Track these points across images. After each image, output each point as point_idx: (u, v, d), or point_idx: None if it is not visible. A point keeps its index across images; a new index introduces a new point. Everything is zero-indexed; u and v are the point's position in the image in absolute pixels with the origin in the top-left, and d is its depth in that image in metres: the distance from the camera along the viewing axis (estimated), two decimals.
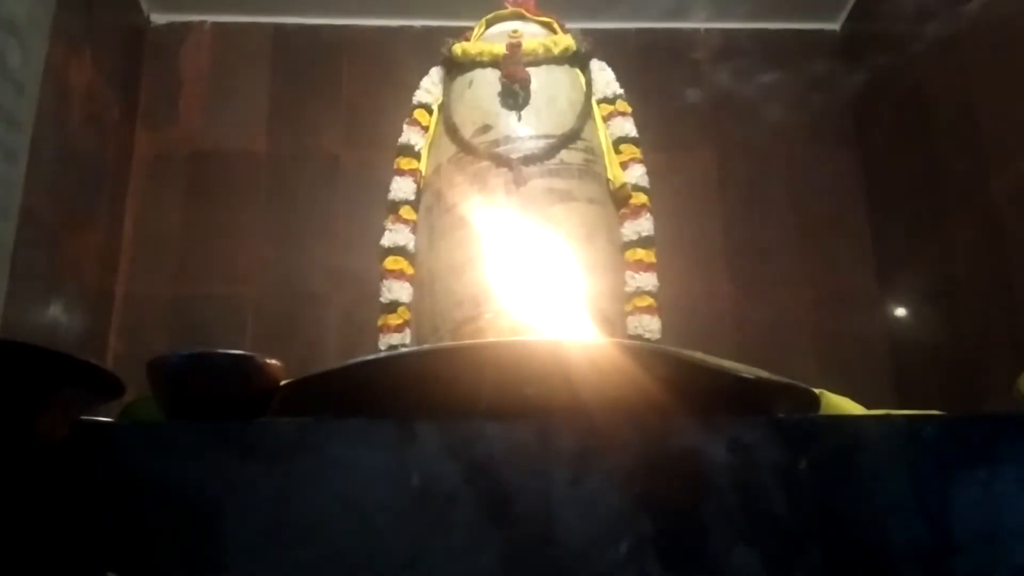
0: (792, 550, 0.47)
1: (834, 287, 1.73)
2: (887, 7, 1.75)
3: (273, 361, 0.54)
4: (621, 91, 1.20)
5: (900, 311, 1.68)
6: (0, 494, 0.46)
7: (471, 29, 1.23)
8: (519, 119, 1.12)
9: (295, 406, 0.56)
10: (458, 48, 1.18)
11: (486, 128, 1.12)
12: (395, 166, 1.17)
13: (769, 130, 1.81)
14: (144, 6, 1.84)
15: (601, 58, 1.23)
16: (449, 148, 1.14)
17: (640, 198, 1.14)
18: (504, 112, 1.12)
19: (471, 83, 1.16)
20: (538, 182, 1.08)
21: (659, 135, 1.52)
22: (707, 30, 1.89)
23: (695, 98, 1.84)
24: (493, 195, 1.07)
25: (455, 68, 1.19)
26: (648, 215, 1.13)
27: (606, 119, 1.17)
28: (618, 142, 1.16)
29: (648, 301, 1.09)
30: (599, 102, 1.18)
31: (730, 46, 1.88)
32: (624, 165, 1.15)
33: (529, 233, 1.03)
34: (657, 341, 1.07)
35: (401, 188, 1.15)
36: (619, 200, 1.13)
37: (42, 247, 1.40)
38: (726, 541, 0.47)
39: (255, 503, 0.47)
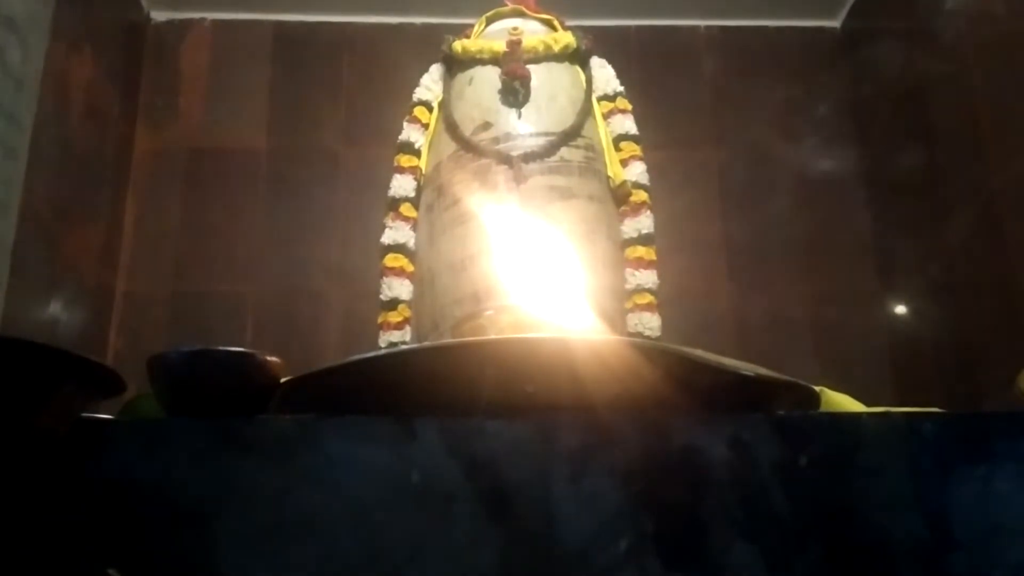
0: (792, 547, 0.47)
1: (834, 285, 1.73)
2: (888, 5, 1.75)
3: (273, 358, 0.54)
4: (621, 88, 1.20)
5: (900, 308, 1.68)
6: (0, 490, 0.46)
7: (471, 26, 1.23)
8: (519, 116, 1.12)
9: (295, 403, 0.56)
10: (458, 45, 1.18)
11: (486, 125, 1.12)
12: (395, 163, 1.17)
13: (769, 128, 1.81)
14: (144, 3, 1.83)
15: (601, 55, 1.23)
16: (449, 145, 1.14)
17: (640, 195, 1.14)
18: (504, 109, 1.12)
19: (471, 80, 1.16)
20: (538, 179, 1.08)
21: (659, 132, 1.51)
22: (708, 27, 1.89)
23: (695, 95, 1.84)
24: (493, 192, 1.07)
25: (455, 65, 1.19)
26: (648, 212, 1.13)
27: (606, 116, 1.17)
28: (618, 139, 1.16)
29: (648, 298, 1.09)
30: (599, 99, 1.18)
31: (731, 43, 1.88)
32: (624, 162, 1.15)
33: (529, 230, 1.03)
34: (657, 338, 1.06)
35: (401, 185, 1.15)
36: (619, 197, 1.13)
37: (42, 244, 1.40)
38: (726, 538, 0.47)
39: (255, 499, 0.47)
